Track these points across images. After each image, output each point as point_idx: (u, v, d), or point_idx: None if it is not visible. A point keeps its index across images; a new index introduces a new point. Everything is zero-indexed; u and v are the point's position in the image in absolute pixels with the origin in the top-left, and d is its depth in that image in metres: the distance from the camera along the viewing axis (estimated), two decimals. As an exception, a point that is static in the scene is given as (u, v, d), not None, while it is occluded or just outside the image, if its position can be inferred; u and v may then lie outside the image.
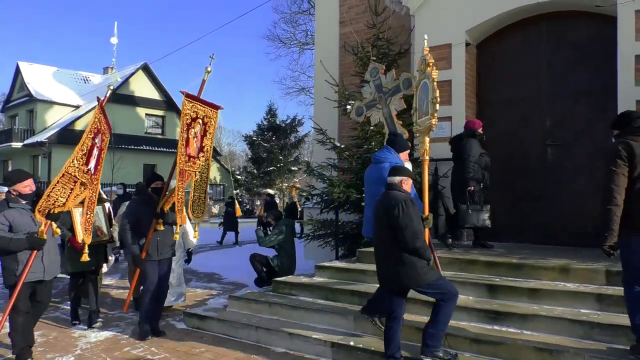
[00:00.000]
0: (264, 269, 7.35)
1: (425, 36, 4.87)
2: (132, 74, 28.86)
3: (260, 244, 7.55)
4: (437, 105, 4.44)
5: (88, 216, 4.77)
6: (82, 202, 4.82)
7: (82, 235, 4.85)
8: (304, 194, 9.55)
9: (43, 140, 25.90)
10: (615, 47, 5.95)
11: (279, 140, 28.05)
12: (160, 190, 5.38)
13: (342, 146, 7.92)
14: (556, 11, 6.74)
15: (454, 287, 4.02)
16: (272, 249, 7.60)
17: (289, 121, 27.93)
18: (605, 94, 6.26)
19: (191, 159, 4.96)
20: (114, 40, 32.92)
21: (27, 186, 4.50)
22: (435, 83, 4.46)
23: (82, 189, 4.66)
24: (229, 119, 76.63)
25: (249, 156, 28.96)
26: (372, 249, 6.35)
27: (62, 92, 28.84)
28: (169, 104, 30.35)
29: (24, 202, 4.48)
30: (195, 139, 4.98)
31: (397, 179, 4.05)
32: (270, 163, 27.74)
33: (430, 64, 4.57)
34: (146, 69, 29.37)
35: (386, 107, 5.63)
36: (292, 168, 28.48)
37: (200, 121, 5.01)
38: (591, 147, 6.45)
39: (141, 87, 29.21)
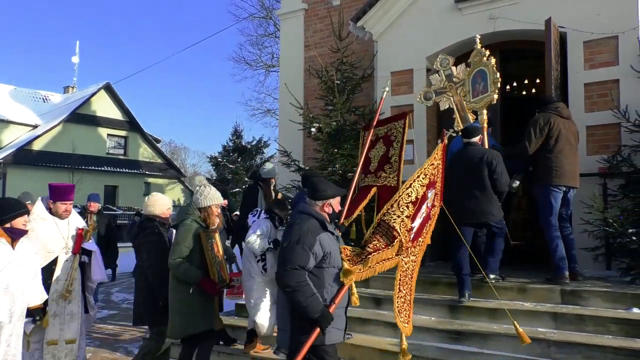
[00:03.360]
0: None
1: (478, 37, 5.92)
2: (94, 93, 28.26)
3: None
4: (499, 84, 5.47)
5: (404, 294, 3.63)
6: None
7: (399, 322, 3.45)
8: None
9: (-3, 160, 24.94)
10: (566, 75, 6.25)
11: (244, 161, 27.84)
12: None
13: (307, 168, 7.96)
14: (511, 40, 7.06)
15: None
16: None
17: (254, 142, 27.84)
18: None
19: (369, 174, 5.09)
20: (75, 59, 32.43)
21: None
22: (495, 67, 5.48)
23: (393, 253, 3.43)
24: (194, 140, 75.92)
25: (214, 177, 28.64)
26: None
27: (19, 111, 27.92)
28: (132, 124, 29.84)
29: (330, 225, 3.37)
30: (378, 157, 5.09)
31: (478, 137, 5.27)
32: (236, 184, 27.49)
33: (487, 55, 5.59)
34: (109, 88, 28.86)
35: (457, 96, 6.15)
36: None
37: (382, 140, 5.14)
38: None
39: (103, 107, 28.64)
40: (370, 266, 3.27)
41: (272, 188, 6.43)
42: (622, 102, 5.80)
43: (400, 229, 3.37)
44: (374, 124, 5.28)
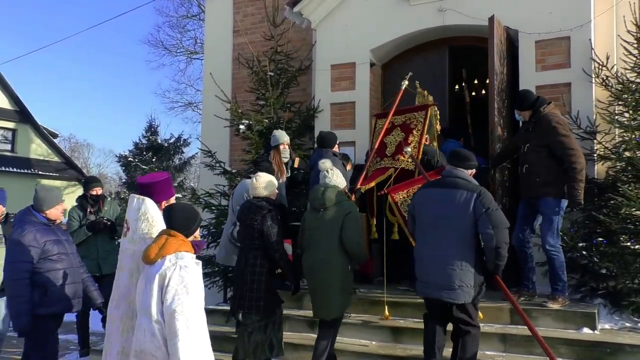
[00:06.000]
0: None
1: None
2: (-26, 76, 26.40)
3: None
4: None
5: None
6: None
7: None
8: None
9: None
10: (517, 76, 6.52)
11: (160, 162, 27.06)
12: None
13: (234, 171, 7.81)
14: (461, 36, 7.29)
15: None
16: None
17: (172, 140, 27.13)
18: (509, 118, 6.77)
19: (385, 158, 6.05)
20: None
21: None
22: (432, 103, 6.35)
23: None
24: (99, 136, 72.86)
25: (123, 180, 27.60)
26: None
27: None
28: (22, 114, 28.10)
29: None
30: (395, 143, 6.06)
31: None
32: (149, 188, 26.70)
33: (425, 94, 6.56)
34: (-6, 71, 27.05)
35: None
36: (176, 195, 27.67)
37: (399, 128, 6.13)
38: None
39: (-14, 92, 26.80)
40: None
41: (288, 154, 6.27)
42: (574, 107, 6.08)
43: None
44: (392, 112, 6.15)
